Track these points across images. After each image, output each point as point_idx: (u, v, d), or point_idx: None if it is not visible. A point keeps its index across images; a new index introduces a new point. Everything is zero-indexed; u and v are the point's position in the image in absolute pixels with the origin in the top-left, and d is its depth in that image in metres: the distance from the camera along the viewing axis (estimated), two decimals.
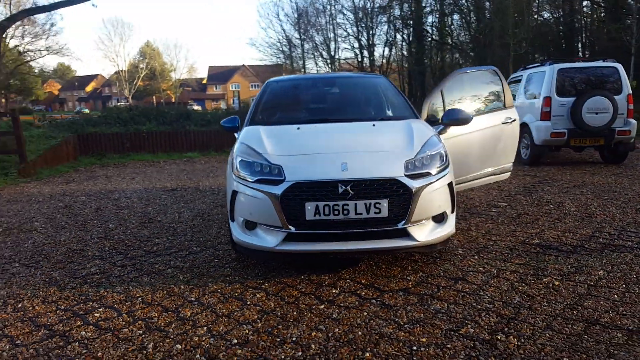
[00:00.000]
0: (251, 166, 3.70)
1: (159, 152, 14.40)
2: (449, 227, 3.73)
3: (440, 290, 3.40)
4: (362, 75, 7.36)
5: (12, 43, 40.97)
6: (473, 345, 2.62)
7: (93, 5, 19.77)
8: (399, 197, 3.45)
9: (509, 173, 5.54)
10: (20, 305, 3.40)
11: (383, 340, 2.70)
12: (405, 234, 3.53)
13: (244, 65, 38.05)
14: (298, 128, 4.29)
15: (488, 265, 3.87)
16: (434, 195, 3.58)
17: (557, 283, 3.45)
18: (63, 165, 11.86)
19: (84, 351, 2.68)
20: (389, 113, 4.92)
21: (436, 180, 3.61)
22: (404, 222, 3.48)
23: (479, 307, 3.10)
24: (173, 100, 65.20)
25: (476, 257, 4.08)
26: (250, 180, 3.62)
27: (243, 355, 2.58)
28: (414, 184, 3.48)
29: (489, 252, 4.20)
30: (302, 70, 35.34)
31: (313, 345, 2.67)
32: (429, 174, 3.62)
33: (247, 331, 2.87)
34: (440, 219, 3.69)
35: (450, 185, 3.72)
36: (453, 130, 4.84)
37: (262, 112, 4.98)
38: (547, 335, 2.70)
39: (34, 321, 3.11)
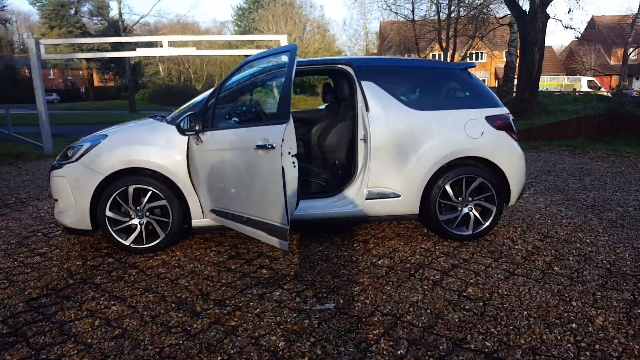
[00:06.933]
0: None
1: None
2: (68, 217, 3.98)
3: None
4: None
5: None
6: None
7: None
8: None
9: (283, 242, 3.27)
10: None
11: None
12: None
13: None
14: None
15: None
16: (56, 182, 4.03)
17: None
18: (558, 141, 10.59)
19: None
20: None
21: (58, 169, 4.02)
22: None
23: None
24: None
25: None
26: None
27: None
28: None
29: None
30: None
31: None
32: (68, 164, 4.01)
33: None
34: None
35: (62, 181, 3.93)
36: (215, 141, 3.68)
37: None
38: None
39: None
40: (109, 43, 27.49)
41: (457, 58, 31.19)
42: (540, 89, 16.16)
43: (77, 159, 3.93)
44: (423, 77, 4.32)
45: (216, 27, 60.75)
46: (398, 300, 3.08)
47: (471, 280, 3.36)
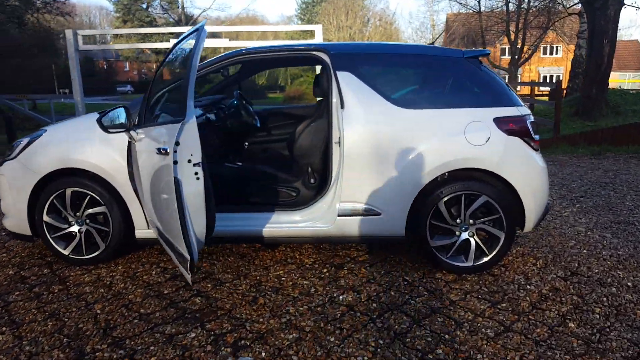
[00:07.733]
0: None
1: None
2: (8, 220, 3.60)
3: None
4: None
5: None
6: None
7: None
8: None
9: (186, 275, 2.57)
10: None
11: None
12: None
13: None
14: None
15: None
16: None
17: None
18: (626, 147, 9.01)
19: None
20: None
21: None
22: None
23: None
24: None
25: None
26: None
27: None
28: None
29: None
30: None
31: None
32: (7, 162, 3.59)
33: None
34: None
35: (2, 180, 3.54)
36: (146, 140, 3.02)
37: None
38: None
39: None
40: (174, 34, 28.18)
41: (525, 51, 29.05)
42: (613, 87, 14.38)
43: (15, 157, 3.51)
44: (417, 67, 3.50)
45: (283, 21, 61.64)
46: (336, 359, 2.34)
47: (446, 336, 2.54)
